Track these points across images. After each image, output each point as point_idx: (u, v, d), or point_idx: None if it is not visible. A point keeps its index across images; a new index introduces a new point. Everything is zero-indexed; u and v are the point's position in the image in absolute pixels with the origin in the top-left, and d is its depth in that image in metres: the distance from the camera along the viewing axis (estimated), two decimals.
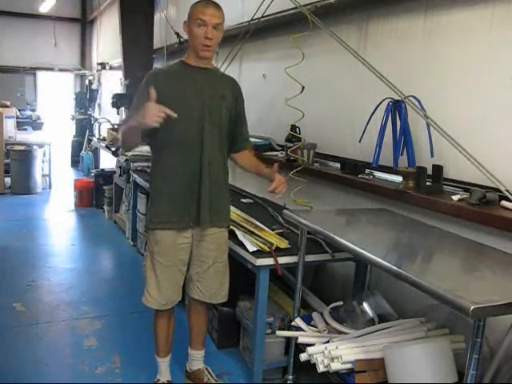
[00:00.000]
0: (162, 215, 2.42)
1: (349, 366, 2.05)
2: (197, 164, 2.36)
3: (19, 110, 9.85)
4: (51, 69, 11.99)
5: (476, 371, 1.52)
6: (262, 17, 3.90)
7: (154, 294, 2.46)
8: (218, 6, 2.38)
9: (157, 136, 2.35)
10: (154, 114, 2.10)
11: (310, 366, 2.20)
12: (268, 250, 2.60)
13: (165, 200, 2.41)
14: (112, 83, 9.05)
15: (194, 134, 2.35)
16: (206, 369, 2.76)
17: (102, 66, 9.63)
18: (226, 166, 2.52)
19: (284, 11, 3.73)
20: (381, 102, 2.67)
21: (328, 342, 2.21)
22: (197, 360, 2.74)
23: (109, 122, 7.18)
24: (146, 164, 4.73)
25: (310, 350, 2.19)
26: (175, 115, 2.15)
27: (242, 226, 2.93)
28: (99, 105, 9.89)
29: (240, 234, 2.79)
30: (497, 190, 2.24)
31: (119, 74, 8.31)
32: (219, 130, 2.42)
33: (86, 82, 11.72)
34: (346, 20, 3.28)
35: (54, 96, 12.32)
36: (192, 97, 2.37)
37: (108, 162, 8.11)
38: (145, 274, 2.50)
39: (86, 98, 10.61)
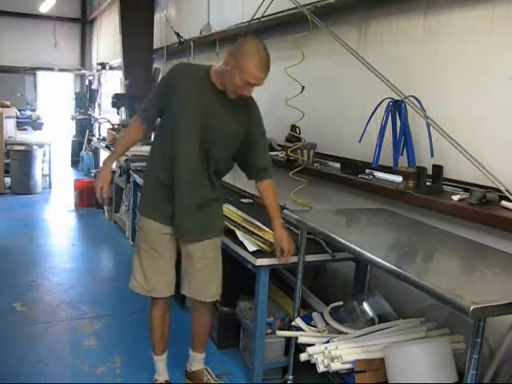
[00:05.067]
0: (148, 206, 2.53)
1: (349, 365, 2.05)
2: (182, 179, 2.36)
3: (19, 110, 9.85)
4: (51, 69, 11.98)
5: (476, 371, 1.52)
6: (262, 17, 3.90)
7: (140, 280, 2.51)
8: (268, 68, 2.25)
9: (159, 131, 2.48)
10: (98, 184, 2.43)
11: (310, 365, 2.20)
12: (268, 249, 2.60)
13: (152, 195, 2.51)
14: (112, 83, 9.05)
15: (187, 150, 2.35)
16: (206, 369, 2.76)
17: (102, 65, 9.63)
18: (213, 183, 2.47)
19: (284, 11, 3.73)
20: (381, 102, 2.67)
21: (328, 342, 2.22)
22: (197, 362, 2.74)
23: (109, 121, 7.18)
24: (144, 164, 4.72)
25: (309, 349, 2.19)
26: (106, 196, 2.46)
27: (242, 226, 2.93)
28: (99, 105, 9.89)
29: (240, 234, 2.79)
30: (497, 189, 2.24)
31: (119, 74, 8.31)
32: (216, 156, 2.40)
33: (86, 82, 11.75)
34: (346, 20, 3.28)
35: (54, 96, 12.32)
36: (196, 113, 2.34)
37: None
38: (132, 259, 2.58)
39: (86, 98, 10.61)
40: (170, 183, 2.39)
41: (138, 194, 4.99)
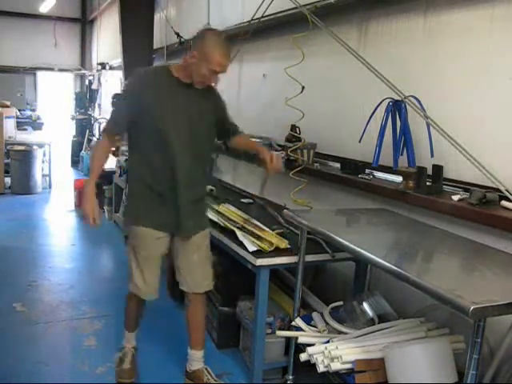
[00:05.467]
0: (139, 214, 2.56)
1: (349, 366, 2.05)
2: (172, 177, 2.44)
3: (19, 110, 9.86)
4: (51, 69, 11.99)
5: (476, 371, 1.52)
6: (262, 17, 3.90)
7: (140, 284, 2.60)
8: (230, 56, 2.45)
9: (135, 138, 2.50)
10: (88, 215, 2.42)
11: (310, 365, 2.20)
12: (268, 249, 2.60)
13: (144, 204, 2.54)
14: (112, 83, 9.05)
15: (171, 147, 2.42)
16: (206, 369, 2.77)
17: (102, 65, 9.63)
18: (204, 174, 2.64)
19: (284, 11, 3.73)
20: (381, 102, 2.67)
21: (328, 342, 2.22)
22: (196, 361, 2.75)
23: None
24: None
25: (309, 349, 2.19)
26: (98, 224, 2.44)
27: (242, 226, 2.93)
28: (99, 105, 9.89)
29: (240, 234, 2.79)
30: (497, 189, 2.24)
31: (119, 74, 8.31)
32: (198, 145, 2.50)
33: (86, 82, 11.75)
34: (346, 20, 3.28)
35: (54, 96, 12.32)
36: (175, 111, 2.43)
37: (108, 162, 8.10)
38: (129, 265, 2.63)
39: (86, 98, 10.61)
40: (160, 188, 2.47)
41: None
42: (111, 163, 7.17)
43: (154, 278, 2.62)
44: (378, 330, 2.23)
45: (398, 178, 2.75)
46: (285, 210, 2.65)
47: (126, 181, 2.77)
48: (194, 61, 2.35)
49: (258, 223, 2.97)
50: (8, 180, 7.64)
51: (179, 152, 2.43)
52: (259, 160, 2.65)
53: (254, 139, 4.31)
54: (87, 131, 9.90)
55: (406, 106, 2.58)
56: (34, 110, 11.29)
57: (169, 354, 3.09)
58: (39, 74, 12.05)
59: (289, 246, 2.67)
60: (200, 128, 2.50)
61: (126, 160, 2.69)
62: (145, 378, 2.84)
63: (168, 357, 3.06)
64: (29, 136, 8.52)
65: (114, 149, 5.99)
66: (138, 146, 2.51)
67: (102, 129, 2.50)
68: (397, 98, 2.59)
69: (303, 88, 3.22)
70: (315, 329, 2.42)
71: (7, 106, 8.34)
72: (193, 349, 2.75)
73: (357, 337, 2.21)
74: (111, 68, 9.45)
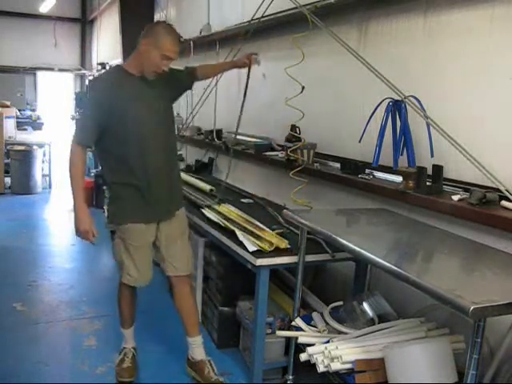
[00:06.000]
0: (126, 213, 2.63)
1: (349, 366, 2.05)
2: (149, 169, 2.56)
3: (19, 110, 9.85)
4: (51, 69, 11.98)
5: (476, 371, 1.52)
6: (262, 17, 3.90)
7: (133, 274, 2.68)
8: (180, 42, 2.56)
9: (107, 141, 2.53)
10: (86, 230, 2.55)
11: (310, 365, 2.20)
12: (268, 249, 2.60)
13: (128, 202, 2.62)
14: None
15: (144, 140, 2.54)
16: (209, 361, 2.79)
17: (102, 65, 9.62)
18: (176, 157, 2.88)
19: (284, 11, 3.73)
20: (381, 102, 2.67)
21: (328, 342, 2.22)
22: (197, 347, 2.79)
23: None
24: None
25: (309, 349, 2.19)
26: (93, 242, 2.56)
27: (242, 226, 2.93)
28: None
29: (240, 234, 2.79)
30: (497, 189, 2.24)
31: None
32: (166, 126, 2.67)
33: (86, 82, 11.73)
34: (346, 20, 3.28)
35: (54, 96, 12.32)
36: (140, 105, 2.52)
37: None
38: (120, 258, 2.70)
39: (86, 98, 10.59)
40: (139, 183, 2.56)
41: None
42: None
43: (146, 266, 2.71)
44: (378, 330, 2.23)
45: (398, 178, 2.75)
46: (285, 210, 2.65)
47: (104, 183, 2.81)
48: (146, 50, 2.48)
49: (258, 223, 2.97)
50: (8, 180, 7.64)
51: (152, 145, 2.56)
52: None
53: (254, 139, 4.33)
54: None
55: (405, 106, 2.58)
56: (34, 110, 11.28)
57: (169, 354, 3.09)
58: (39, 74, 12.04)
59: (289, 246, 2.67)
60: (164, 115, 2.64)
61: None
62: (145, 377, 2.84)
63: (168, 356, 3.06)
64: (29, 136, 8.52)
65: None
66: (109, 149, 2.57)
67: (73, 137, 2.48)
68: (397, 98, 2.59)
69: (303, 88, 3.22)
70: (315, 329, 2.42)
71: (7, 106, 8.35)
72: (190, 336, 2.79)
73: (357, 337, 2.21)
74: None
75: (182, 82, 2.86)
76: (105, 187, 2.88)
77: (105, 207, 6.48)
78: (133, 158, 2.53)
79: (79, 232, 2.55)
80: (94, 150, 2.66)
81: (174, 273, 2.75)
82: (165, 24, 2.62)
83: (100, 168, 2.77)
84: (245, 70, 3.20)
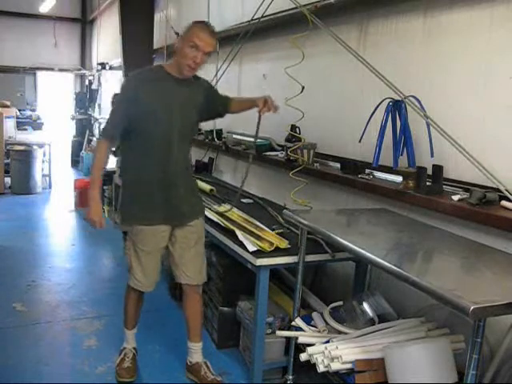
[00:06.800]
0: (139, 213, 2.61)
1: (349, 366, 2.05)
2: (168, 169, 2.55)
3: (19, 110, 9.86)
4: (51, 69, 11.99)
5: (476, 371, 1.52)
6: (262, 17, 3.90)
7: (140, 279, 2.68)
8: (214, 34, 2.49)
9: (132, 136, 2.54)
10: (95, 220, 2.53)
11: (310, 365, 2.20)
12: (268, 249, 2.60)
13: (139, 201, 2.60)
14: (112, 83, 9.04)
15: (167, 141, 2.52)
16: (205, 363, 2.80)
17: (102, 66, 9.62)
18: (189, 162, 2.83)
19: (284, 11, 3.73)
20: (381, 102, 2.67)
21: (328, 342, 2.21)
22: (195, 353, 2.80)
23: None
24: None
25: (310, 349, 2.19)
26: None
27: (242, 226, 2.93)
28: (99, 105, 9.88)
29: (240, 234, 2.79)
30: (497, 189, 2.24)
31: (119, 74, 8.31)
32: (188, 135, 2.66)
33: (86, 82, 11.73)
34: (346, 20, 3.28)
35: (54, 96, 12.32)
36: (169, 106, 2.51)
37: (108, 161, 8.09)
38: (129, 261, 2.71)
39: (86, 98, 10.60)
40: (157, 183, 2.55)
41: None
42: (111, 163, 7.17)
43: (153, 272, 2.70)
44: (377, 330, 2.23)
45: (398, 178, 2.75)
46: (285, 210, 2.65)
47: (120, 179, 2.79)
48: (177, 45, 2.48)
49: (258, 223, 2.97)
50: (8, 180, 7.64)
51: (175, 145, 2.54)
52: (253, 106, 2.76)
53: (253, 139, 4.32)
54: (87, 131, 9.90)
55: (405, 106, 2.58)
56: (34, 110, 11.29)
57: (169, 354, 3.09)
58: (39, 73, 12.05)
59: (289, 246, 2.67)
60: (189, 120, 2.61)
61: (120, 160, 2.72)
62: (145, 377, 2.84)
63: (168, 356, 3.06)
64: (29, 136, 8.52)
65: (114, 149, 6.01)
66: (133, 145, 2.57)
67: (100, 132, 2.56)
68: (397, 98, 2.59)
69: (303, 88, 3.22)
70: (315, 329, 2.41)
71: (7, 106, 8.34)
72: (191, 341, 2.80)
73: (357, 337, 2.21)
74: (111, 68, 9.45)
75: (216, 105, 2.78)
76: (120, 182, 2.84)
77: (105, 207, 6.49)
78: (153, 157, 2.52)
79: (88, 220, 2.56)
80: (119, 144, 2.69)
81: (185, 281, 2.73)
82: (198, 21, 2.57)
83: (119, 165, 2.77)
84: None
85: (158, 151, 2.52)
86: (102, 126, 2.63)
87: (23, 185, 7.55)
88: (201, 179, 4.38)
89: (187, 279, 2.72)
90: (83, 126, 10.20)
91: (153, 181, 2.55)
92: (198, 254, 2.74)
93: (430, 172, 2.55)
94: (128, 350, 2.87)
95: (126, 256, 2.77)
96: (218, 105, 2.80)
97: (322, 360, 2.11)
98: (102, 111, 9.44)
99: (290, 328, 2.59)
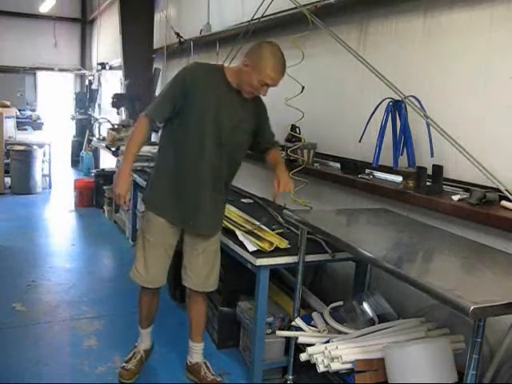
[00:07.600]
0: (158, 202, 2.58)
1: (349, 366, 2.05)
2: (199, 174, 2.48)
3: (19, 110, 9.85)
4: (51, 69, 11.97)
5: (476, 371, 1.52)
6: (262, 17, 3.90)
7: (141, 271, 2.64)
8: (284, 70, 2.42)
9: (172, 128, 2.49)
10: (121, 194, 2.44)
11: (310, 365, 2.20)
12: (268, 249, 2.60)
13: (164, 194, 2.56)
14: (112, 83, 9.04)
15: (206, 146, 2.44)
16: (205, 363, 2.80)
17: (102, 66, 9.62)
18: (230, 181, 2.67)
19: (284, 11, 3.73)
20: (381, 102, 2.67)
21: (328, 342, 2.21)
22: (196, 353, 2.80)
23: (109, 122, 7.18)
24: (146, 164, 4.74)
25: (310, 349, 2.19)
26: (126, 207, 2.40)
27: (242, 226, 2.92)
28: (99, 105, 9.88)
29: (240, 234, 2.79)
30: (497, 189, 2.24)
31: (119, 74, 8.30)
32: (233, 149, 2.52)
33: (86, 82, 11.73)
34: (346, 20, 3.28)
35: (54, 96, 12.31)
36: (219, 112, 2.44)
37: (108, 161, 8.11)
38: (135, 250, 2.69)
39: (86, 98, 10.60)
40: (185, 182, 2.49)
41: (139, 194, 4.99)
42: (111, 163, 7.19)
43: (155, 268, 2.63)
44: (377, 330, 2.23)
45: (398, 178, 2.75)
46: (285, 210, 2.65)
47: (155, 163, 2.75)
48: (247, 69, 2.36)
49: (258, 223, 2.96)
50: (8, 180, 7.64)
51: (212, 151, 2.45)
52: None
53: None
54: (87, 131, 9.89)
55: (405, 106, 2.58)
56: (33, 110, 11.28)
57: (169, 354, 3.09)
58: (39, 74, 12.04)
59: (289, 246, 2.67)
60: (238, 134, 2.51)
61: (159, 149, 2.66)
62: (145, 377, 2.84)
63: (168, 356, 3.06)
64: (29, 136, 8.52)
65: (114, 149, 6.01)
66: (173, 136, 2.52)
67: (144, 111, 2.48)
68: (397, 98, 2.59)
69: (303, 88, 3.22)
70: (315, 329, 2.41)
71: (7, 106, 8.34)
72: (193, 341, 2.80)
73: (357, 337, 2.21)
74: (111, 68, 9.44)
75: (262, 139, 2.68)
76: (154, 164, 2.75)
77: (105, 207, 6.49)
78: (185, 152, 2.46)
79: (114, 194, 2.51)
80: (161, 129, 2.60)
81: (190, 286, 2.71)
82: (271, 47, 2.39)
83: (157, 151, 2.67)
84: None
85: (193, 152, 2.45)
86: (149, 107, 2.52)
87: (23, 185, 7.55)
88: None
89: (191, 284, 2.70)
90: (83, 126, 10.19)
91: (181, 179, 2.50)
92: (207, 263, 2.66)
93: (430, 172, 2.55)
94: (137, 351, 2.83)
95: (134, 248, 2.73)
96: (263, 140, 2.68)
97: (322, 360, 2.11)
98: (102, 111, 9.45)
99: (289, 328, 2.59)
